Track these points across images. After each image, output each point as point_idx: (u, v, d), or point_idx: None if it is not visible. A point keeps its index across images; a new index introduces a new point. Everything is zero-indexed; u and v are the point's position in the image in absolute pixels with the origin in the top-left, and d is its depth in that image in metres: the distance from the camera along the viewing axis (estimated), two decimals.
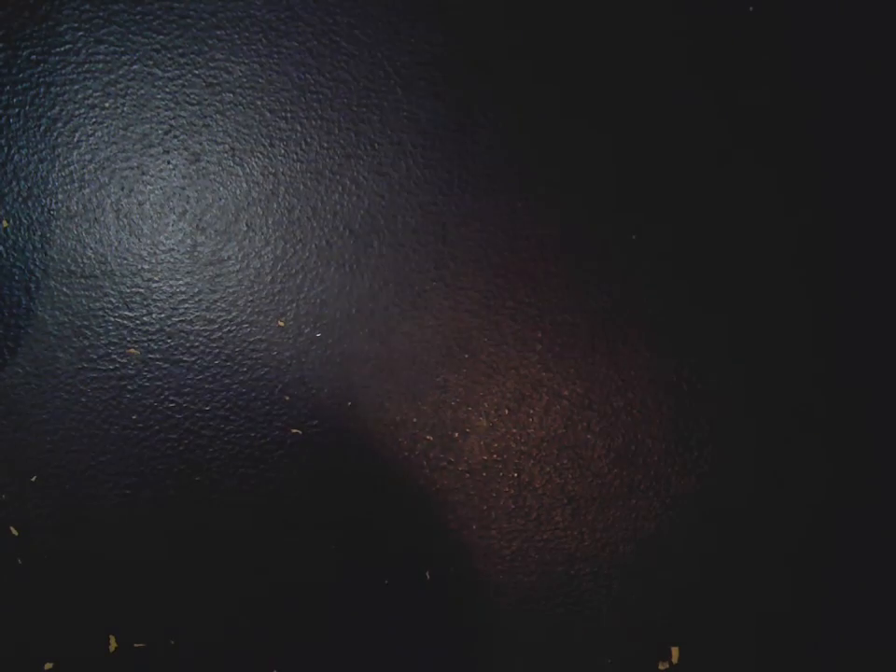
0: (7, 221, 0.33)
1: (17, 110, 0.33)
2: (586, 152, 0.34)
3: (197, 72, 0.33)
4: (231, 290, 0.34)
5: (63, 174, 0.33)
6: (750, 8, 0.34)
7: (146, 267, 0.33)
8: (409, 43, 0.34)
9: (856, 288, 0.35)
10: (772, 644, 0.35)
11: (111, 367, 0.33)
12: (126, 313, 0.33)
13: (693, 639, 0.35)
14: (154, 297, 0.33)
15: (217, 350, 0.34)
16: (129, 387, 0.33)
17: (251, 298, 0.34)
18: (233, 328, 0.34)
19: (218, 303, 0.34)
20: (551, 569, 0.35)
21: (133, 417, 0.34)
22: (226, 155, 0.33)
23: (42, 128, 0.33)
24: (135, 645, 0.34)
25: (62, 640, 0.34)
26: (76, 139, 0.33)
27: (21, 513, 0.34)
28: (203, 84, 0.33)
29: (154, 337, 0.34)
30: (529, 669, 0.35)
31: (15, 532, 0.33)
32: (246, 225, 0.34)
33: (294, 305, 0.34)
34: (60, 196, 0.33)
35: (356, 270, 0.34)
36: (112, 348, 0.33)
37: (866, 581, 0.35)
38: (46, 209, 0.33)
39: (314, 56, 0.33)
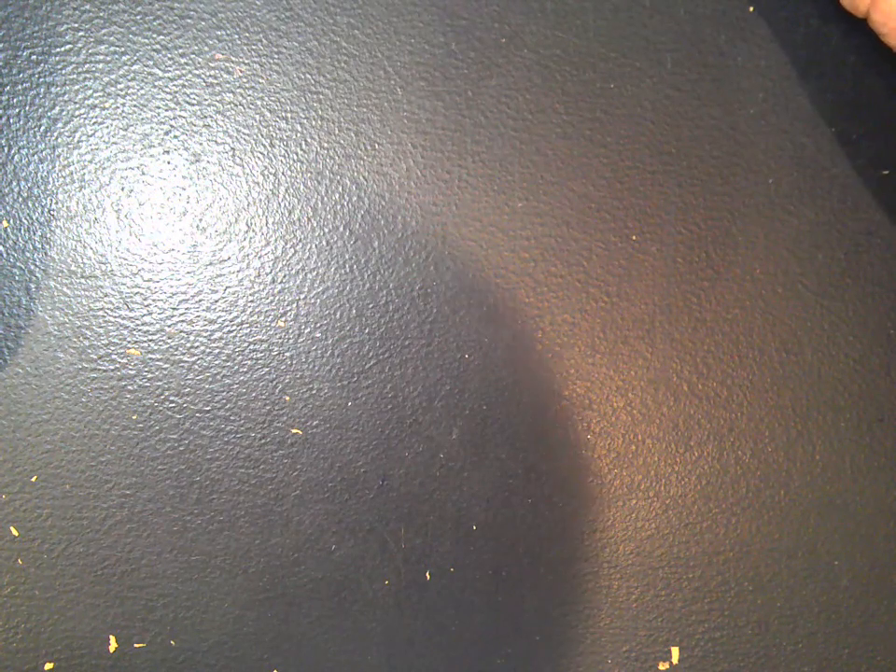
0: (7, 221, 0.33)
1: (17, 110, 0.33)
2: (587, 152, 0.34)
3: (197, 72, 0.33)
4: (231, 290, 0.34)
5: (63, 174, 0.33)
6: (751, 9, 0.34)
7: (146, 267, 0.33)
8: (409, 43, 0.34)
9: (859, 287, 0.35)
10: (772, 644, 0.36)
11: (111, 367, 0.33)
12: (126, 313, 0.33)
13: (692, 639, 0.35)
14: (154, 297, 0.33)
15: (217, 350, 0.34)
16: (129, 387, 0.33)
17: (251, 298, 0.34)
18: (233, 328, 0.34)
19: (219, 303, 0.34)
20: (551, 569, 0.35)
21: (133, 417, 0.34)
22: (226, 155, 0.33)
23: (42, 128, 0.33)
24: (135, 645, 0.34)
25: (62, 640, 0.34)
26: (76, 139, 0.33)
27: (21, 513, 0.34)
28: (203, 84, 0.33)
29: (154, 337, 0.34)
30: (529, 669, 0.35)
31: (15, 532, 0.33)
32: (246, 225, 0.34)
33: (294, 305, 0.34)
34: (60, 196, 0.33)
35: (356, 270, 0.34)
36: (112, 348, 0.33)
37: (866, 581, 0.35)
38: (46, 209, 0.33)
39: (314, 56, 0.33)
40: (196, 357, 0.34)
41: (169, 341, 0.33)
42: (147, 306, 0.33)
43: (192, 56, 0.33)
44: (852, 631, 0.35)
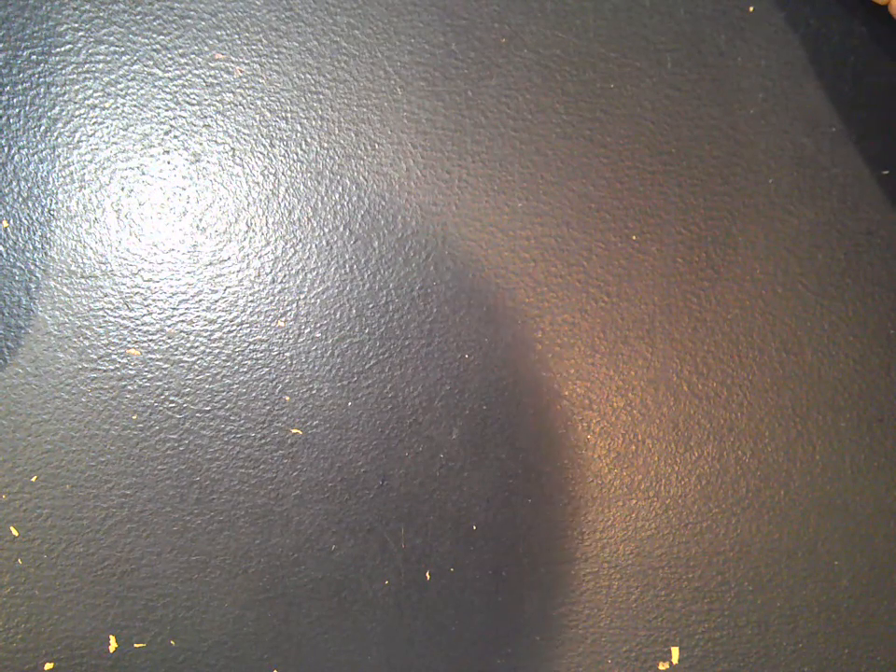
0: (7, 221, 0.33)
1: (17, 110, 0.33)
2: (587, 152, 0.34)
3: (197, 72, 0.33)
4: (231, 290, 0.34)
5: (63, 174, 0.33)
6: (751, 9, 0.34)
7: (146, 267, 0.33)
8: (409, 43, 0.34)
9: (859, 287, 0.35)
10: (772, 644, 0.36)
11: (111, 367, 0.33)
12: (126, 313, 0.33)
13: (692, 639, 0.35)
14: (154, 297, 0.33)
15: (217, 350, 0.34)
16: (129, 387, 0.33)
17: (251, 298, 0.34)
18: (233, 328, 0.34)
19: (219, 303, 0.34)
20: (551, 569, 0.35)
21: (133, 417, 0.34)
22: (226, 155, 0.33)
23: (42, 128, 0.33)
24: (135, 645, 0.34)
25: (62, 640, 0.34)
26: (76, 139, 0.33)
27: (21, 513, 0.34)
28: (203, 84, 0.33)
29: (154, 337, 0.34)
30: (529, 669, 0.35)
31: (15, 532, 0.33)
32: (246, 225, 0.34)
33: (294, 305, 0.34)
34: (60, 196, 0.33)
35: (356, 270, 0.34)
36: (112, 348, 0.33)
37: (866, 581, 0.35)
38: (46, 209, 0.33)
39: (314, 56, 0.33)
40: (196, 357, 0.34)
41: (169, 341, 0.33)
42: (146, 306, 0.33)
43: (192, 56, 0.33)
44: (852, 631, 0.35)
